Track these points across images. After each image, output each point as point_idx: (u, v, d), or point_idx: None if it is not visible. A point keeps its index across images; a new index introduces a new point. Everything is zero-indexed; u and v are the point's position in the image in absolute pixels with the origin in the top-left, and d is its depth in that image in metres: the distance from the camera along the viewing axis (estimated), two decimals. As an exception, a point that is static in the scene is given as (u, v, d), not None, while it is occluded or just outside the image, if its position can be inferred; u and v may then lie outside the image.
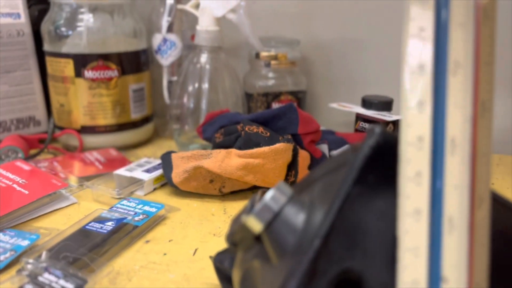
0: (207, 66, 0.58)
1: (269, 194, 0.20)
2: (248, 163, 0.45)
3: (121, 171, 0.49)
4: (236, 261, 0.26)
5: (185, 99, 0.62)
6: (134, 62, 0.60)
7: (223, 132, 0.51)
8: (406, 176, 0.16)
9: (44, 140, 0.60)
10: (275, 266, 0.20)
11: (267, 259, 0.22)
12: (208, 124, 0.54)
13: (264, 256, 0.22)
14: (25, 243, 0.37)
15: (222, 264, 0.32)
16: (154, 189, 0.50)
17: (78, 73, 0.56)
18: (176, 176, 0.47)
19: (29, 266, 0.33)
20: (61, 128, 0.61)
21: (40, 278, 0.31)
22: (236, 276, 0.26)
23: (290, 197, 0.20)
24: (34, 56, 0.60)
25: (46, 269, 0.32)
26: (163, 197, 0.48)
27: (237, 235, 0.24)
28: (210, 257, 0.32)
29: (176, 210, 0.45)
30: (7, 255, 0.35)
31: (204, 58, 0.58)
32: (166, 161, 0.49)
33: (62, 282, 0.31)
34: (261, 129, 0.48)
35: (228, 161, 0.46)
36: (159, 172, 0.50)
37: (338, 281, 0.17)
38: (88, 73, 0.57)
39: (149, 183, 0.49)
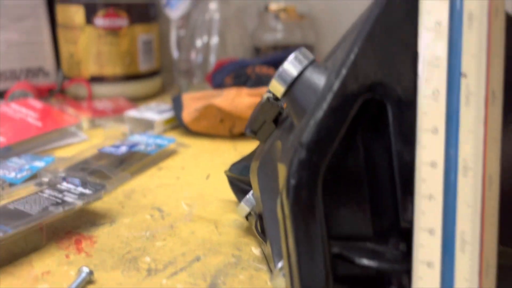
0: (216, 16, 0.59)
1: (290, 57, 0.20)
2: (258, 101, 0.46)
3: (132, 112, 0.50)
4: (255, 154, 0.27)
5: (193, 54, 0.62)
6: (144, 13, 0.60)
7: (233, 76, 0.51)
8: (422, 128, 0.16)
9: (53, 90, 0.60)
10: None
11: (287, 136, 0.22)
12: (218, 72, 0.55)
13: (285, 135, 0.23)
14: (41, 164, 0.37)
15: (236, 173, 0.32)
16: (165, 131, 0.50)
17: (89, 21, 0.57)
18: (187, 115, 0.48)
19: (46, 179, 0.34)
20: (70, 79, 0.61)
21: (59, 186, 0.32)
22: (254, 166, 0.26)
23: (312, 60, 0.20)
24: (45, 6, 0.61)
25: (64, 179, 0.32)
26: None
27: (259, 118, 0.24)
28: (225, 171, 0.33)
29: (187, 146, 0.46)
30: (24, 173, 0.36)
31: (213, 5, 0.59)
32: (177, 101, 0.49)
33: (80, 189, 0.31)
34: (271, 70, 0.48)
35: (239, 100, 0.46)
36: (170, 114, 0.50)
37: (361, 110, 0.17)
38: (98, 21, 0.57)
39: (159, 123, 0.49)
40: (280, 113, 0.24)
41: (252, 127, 0.26)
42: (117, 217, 0.32)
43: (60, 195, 0.30)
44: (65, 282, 0.25)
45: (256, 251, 0.28)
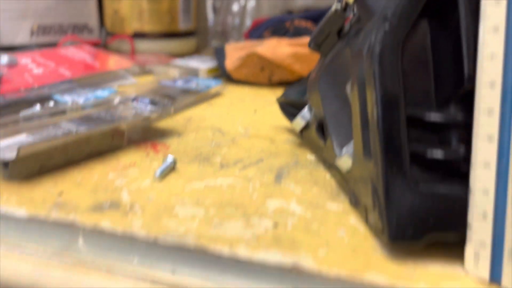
0: (253, -21, 0.62)
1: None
2: (297, 51, 0.49)
3: (178, 61, 0.54)
4: (314, 71, 0.30)
5: (229, 17, 0.66)
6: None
7: (271, 30, 0.55)
8: None
9: (98, 44, 0.64)
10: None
11: (356, 41, 0.25)
12: (255, 29, 0.58)
13: (352, 41, 0.26)
14: (104, 93, 0.41)
15: (288, 99, 0.36)
16: (207, 80, 0.54)
17: (134, -21, 0.60)
18: (230, 63, 0.51)
19: (116, 100, 0.37)
20: (113, 35, 0.65)
21: (130, 104, 0.35)
22: (313, 80, 0.30)
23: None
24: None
25: (134, 99, 0.36)
26: (215, 85, 0.52)
27: (325, 30, 0.28)
28: (277, 99, 0.37)
29: (231, 90, 0.50)
30: (92, 100, 0.40)
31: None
32: (220, 51, 0.53)
33: (150, 107, 0.35)
34: (309, 24, 0.52)
35: (279, 48, 0.50)
36: (213, 63, 0.54)
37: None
38: (143, -20, 0.61)
39: (204, 71, 0.53)
40: (343, 27, 0.28)
41: (316, 40, 0.29)
42: (183, 132, 0.35)
43: (133, 110, 0.34)
44: (150, 170, 0.28)
45: (311, 157, 0.32)
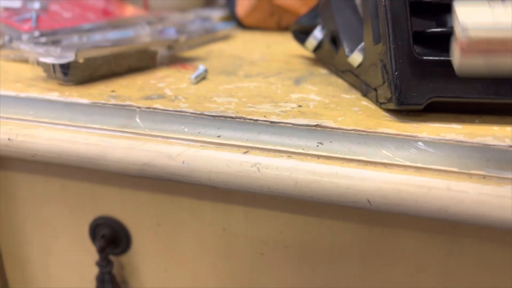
0: None
1: None
2: (304, -4, 0.53)
3: (191, 11, 0.57)
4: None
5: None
6: None
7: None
8: None
9: None
10: None
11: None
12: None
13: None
14: (131, 32, 0.45)
15: (300, 25, 0.40)
16: (219, 28, 0.58)
17: None
18: (241, 9, 0.55)
19: (145, 31, 0.41)
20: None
21: (157, 34, 0.39)
22: (323, 4, 0.34)
23: None
24: None
25: (161, 31, 0.40)
26: (228, 31, 0.56)
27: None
28: (290, 27, 0.40)
29: (243, 34, 0.53)
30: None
31: None
32: None
33: (176, 35, 0.39)
34: (314, -29, 0.55)
35: (288, -7, 0.53)
36: (225, 12, 0.58)
37: None
38: None
39: (216, 18, 0.56)
40: None
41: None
42: (207, 58, 0.39)
43: (161, 37, 0.38)
44: (185, 79, 0.32)
45: (324, 71, 0.35)
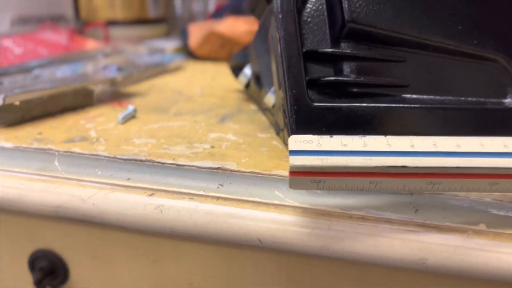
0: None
1: None
2: (253, 28, 0.55)
3: (147, 42, 0.59)
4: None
5: (194, 4, 0.71)
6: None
7: (231, 12, 0.61)
8: None
9: (74, 32, 0.69)
10: None
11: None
12: (217, 13, 0.64)
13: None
14: (78, 67, 0.46)
15: (236, 61, 0.42)
16: (174, 59, 0.60)
17: (105, -30, 0.66)
18: (193, 42, 0.57)
19: (88, 68, 0.43)
20: (88, 23, 0.70)
21: (100, 71, 0.41)
22: (252, 41, 0.36)
23: None
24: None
25: (104, 68, 0.42)
26: (181, 62, 0.58)
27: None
28: (228, 62, 0.42)
29: (194, 65, 0.55)
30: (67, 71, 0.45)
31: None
32: (184, 31, 0.59)
33: (117, 72, 0.40)
34: None
35: (236, 26, 0.56)
36: (179, 43, 0.60)
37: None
38: (113, -29, 0.66)
39: (170, 50, 0.58)
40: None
41: (250, 6, 0.35)
42: (147, 94, 0.41)
43: (102, 75, 0.40)
44: (115, 118, 0.34)
45: (253, 107, 0.37)
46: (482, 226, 0.21)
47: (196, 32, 0.58)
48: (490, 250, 0.21)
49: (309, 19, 0.27)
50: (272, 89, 0.30)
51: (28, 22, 0.67)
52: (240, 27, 0.55)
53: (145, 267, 0.30)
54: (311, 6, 0.27)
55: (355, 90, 0.26)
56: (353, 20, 0.25)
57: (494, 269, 0.20)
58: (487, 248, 0.21)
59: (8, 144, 0.28)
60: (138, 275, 0.31)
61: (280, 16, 0.26)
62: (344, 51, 0.26)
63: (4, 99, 0.30)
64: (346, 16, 0.25)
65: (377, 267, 0.24)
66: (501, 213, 0.22)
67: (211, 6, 0.70)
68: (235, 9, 0.60)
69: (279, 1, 0.26)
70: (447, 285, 0.23)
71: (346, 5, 0.25)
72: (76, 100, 0.36)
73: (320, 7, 0.27)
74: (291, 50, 0.26)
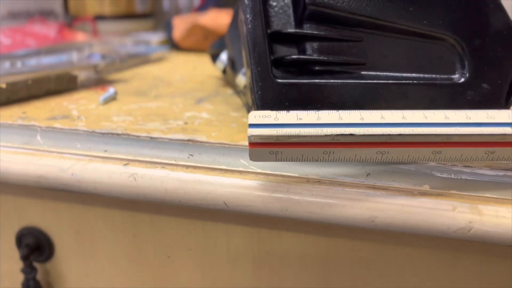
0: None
1: None
2: (235, 21, 0.57)
3: (133, 35, 0.61)
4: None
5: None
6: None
7: (214, 4, 0.63)
8: None
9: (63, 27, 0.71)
10: None
11: None
12: (203, 6, 0.66)
13: None
14: (63, 57, 0.48)
15: (216, 49, 0.44)
16: (159, 50, 0.61)
17: (93, -34, 0.68)
18: (177, 34, 0.59)
19: (73, 57, 0.45)
20: (77, 18, 0.72)
21: (86, 59, 0.43)
22: (227, 29, 0.38)
23: None
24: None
25: (88, 56, 0.44)
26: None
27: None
28: (208, 50, 0.44)
29: (178, 57, 0.57)
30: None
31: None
32: (169, 24, 0.61)
33: (100, 60, 0.42)
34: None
35: (219, 19, 0.58)
36: (163, 36, 0.62)
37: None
38: (101, -34, 0.68)
39: (155, 42, 0.60)
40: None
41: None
42: (129, 81, 0.43)
43: (86, 62, 0.41)
44: (97, 101, 0.36)
45: (229, 91, 0.39)
46: (426, 187, 0.23)
47: (180, 25, 0.59)
48: (432, 208, 0.23)
49: (274, 3, 0.29)
50: (243, 70, 0.32)
51: (17, 17, 0.69)
52: (223, 19, 0.57)
53: (126, 242, 0.32)
54: (276, -10, 0.29)
55: (316, 68, 0.28)
56: (313, 3, 0.27)
57: (436, 225, 0.23)
58: (430, 206, 0.23)
59: (-6, 121, 0.30)
60: (120, 249, 0.33)
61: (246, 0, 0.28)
62: (305, 31, 0.28)
63: (-10, 80, 0.31)
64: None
65: (339, 230, 0.26)
66: (444, 175, 0.24)
67: (196, 2, 0.72)
68: (219, 2, 0.62)
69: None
70: (395, 242, 0.25)
71: (307, -12, 0.27)
72: (60, 85, 0.38)
73: (285, -10, 0.29)
74: (256, 31, 0.27)
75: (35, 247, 0.36)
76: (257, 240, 0.29)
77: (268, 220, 0.28)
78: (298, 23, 0.29)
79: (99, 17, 0.71)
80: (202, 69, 0.49)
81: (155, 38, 0.60)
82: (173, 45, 0.60)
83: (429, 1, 0.27)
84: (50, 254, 0.36)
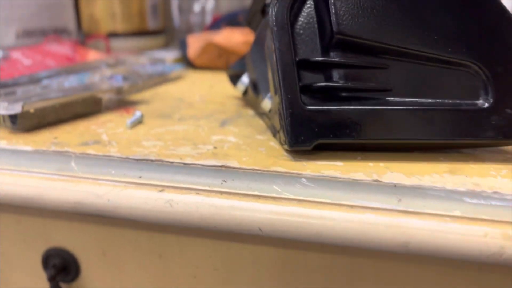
0: (212, -19, 0.71)
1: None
2: (248, 39, 0.58)
3: (148, 53, 0.62)
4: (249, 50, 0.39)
5: (192, 17, 0.74)
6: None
7: (227, 23, 0.64)
8: None
9: (76, 44, 0.72)
10: None
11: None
12: (214, 24, 0.67)
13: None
14: (85, 76, 0.49)
15: (234, 70, 0.45)
16: (173, 68, 0.62)
17: (106, -15, 0.69)
18: (192, 52, 0.60)
19: (96, 78, 0.46)
20: (90, 36, 0.73)
21: (106, 80, 0.44)
22: (249, 51, 0.39)
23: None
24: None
25: (110, 77, 0.44)
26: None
27: (252, 10, 0.37)
28: (226, 71, 0.45)
29: (193, 75, 0.58)
30: (74, 82, 0.48)
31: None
32: (183, 43, 0.62)
33: (122, 81, 0.43)
34: (258, 15, 0.61)
35: (233, 37, 0.59)
36: (178, 53, 0.62)
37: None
38: (114, -15, 0.69)
39: (170, 61, 0.61)
40: (265, 6, 0.37)
41: (248, 19, 0.38)
42: (151, 102, 0.44)
43: (109, 84, 0.42)
44: (124, 123, 0.37)
45: (251, 112, 0.40)
46: (457, 213, 0.24)
47: (195, 43, 0.60)
48: (464, 234, 0.23)
49: (301, 31, 0.30)
50: (269, 95, 0.33)
51: (32, 35, 0.70)
52: (236, 38, 0.58)
53: (152, 262, 0.33)
54: (302, 19, 0.30)
55: (343, 94, 0.29)
56: (341, 32, 0.28)
57: (468, 251, 0.23)
58: (462, 232, 0.23)
59: (28, 148, 0.31)
60: (145, 269, 0.33)
61: (275, 29, 0.28)
62: (332, 59, 0.29)
63: (22, 107, 0.32)
64: (334, 28, 0.28)
65: (367, 253, 0.27)
66: (474, 201, 0.25)
67: (208, 18, 0.73)
68: (231, 21, 0.63)
69: (274, 16, 0.28)
70: (428, 267, 0.26)
71: (334, 19, 0.28)
72: (86, 108, 0.39)
73: (311, 20, 0.30)
74: (285, 60, 0.28)
75: (62, 267, 0.36)
76: (283, 261, 0.30)
77: (295, 241, 0.28)
78: (325, 50, 0.30)
79: (112, 35, 0.72)
80: (219, 88, 0.50)
81: (170, 56, 0.61)
82: (188, 63, 0.61)
83: (453, 30, 0.28)
84: (76, 274, 0.36)
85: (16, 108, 0.32)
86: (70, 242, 0.35)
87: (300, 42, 0.30)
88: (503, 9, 0.28)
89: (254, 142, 0.32)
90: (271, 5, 0.29)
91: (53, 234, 0.34)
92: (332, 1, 0.28)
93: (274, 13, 0.28)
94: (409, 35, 0.28)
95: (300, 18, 0.30)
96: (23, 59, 0.51)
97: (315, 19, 0.30)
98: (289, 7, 0.29)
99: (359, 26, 0.28)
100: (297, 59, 0.29)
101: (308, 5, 0.30)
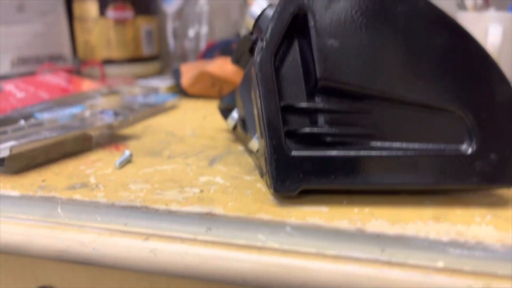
0: (205, 8, 0.72)
1: (257, 4, 0.33)
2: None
3: (141, 81, 0.62)
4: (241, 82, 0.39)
5: (186, 42, 0.75)
6: (146, 7, 0.73)
7: (221, 51, 0.64)
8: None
9: (71, 71, 0.72)
10: None
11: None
12: (208, 51, 0.68)
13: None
14: (76, 110, 0.49)
15: (225, 104, 0.45)
16: (167, 96, 0.63)
17: (101, 13, 0.69)
18: (185, 81, 0.60)
19: (86, 113, 0.46)
20: (85, 62, 0.73)
21: (97, 115, 0.44)
22: (237, 88, 0.39)
23: (269, 4, 0.33)
24: (64, 2, 0.73)
25: (100, 112, 0.45)
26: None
27: (240, 50, 0.37)
28: (218, 105, 0.46)
29: (186, 104, 0.58)
30: (66, 114, 0.48)
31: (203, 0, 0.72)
32: (176, 71, 0.62)
33: (113, 117, 0.43)
34: (251, 44, 0.61)
35: (226, 66, 0.59)
36: (171, 82, 0.63)
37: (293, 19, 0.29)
38: (109, 13, 0.70)
39: (163, 89, 0.62)
40: (253, 45, 0.37)
41: (235, 57, 0.38)
42: (141, 136, 0.44)
43: (99, 120, 0.43)
44: (113, 163, 0.37)
45: (241, 148, 0.40)
46: (441, 264, 0.24)
47: (188, 72, 0.61)
48: (448, 287, 0.23)
49: (286, 75, 0.30)
50: (256, 135, 0.33)
51: (27, 63, 0.71)
52: (229, 67, 0.59)
53: (141, 303, 0.33)
54: (288, 64, 0.30)
55: (328, 139, 0.29)
56: (324, 78, 0.28)
57: (452, 302, 0.23)
58: (445, 285, 0.23)
59: (15, 193, 0.31)
60: (135, 310, 0.33)
61: (260, 75, 0.29)
62: (317, 105, 0.29)
63: (10, 150, 0.32)
64: (319, 74, 0.28)
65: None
66: (457, 251, 0.25)
67: (203, 43, 0.74)
68: (225, 49, 0.64)
69: (258, 62, 0.29)
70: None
71: (318, 64, 0.28)
72: (77, 146, 0.39)
73: (296, 64, 0.30)
74: (270, 106, 0.29)
75: (51, 306, 0.36)
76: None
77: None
78: (310, 95, 0.30)
79: (107, 61, 0.72)
80: (211, 119, 0.50)
81: (163, 84, 0.62)
82: (181, 91, 0.61)
83: (437, 76, 0.28)
84: (66, 313, 0.36)
85: (3, 152, 0.32)
86: (59, 281, 0.34)
87: (285, 86, 0.30)
88: (486, 55, 0.28)
89: (241, 184, 0.32)
90: (256, 50, 0.29)
91: (42, 273, 0.34)
92: (316, 47, 0.28)
93: (258, 60, 0.29)
94: (392, 81, 0.28)
95: (285, 63, 0.30)
96: (16, 92, 0.51)
97: (300, 64, 0.30)
98: (273, 53, 0.29)
99: (343, 73, 0.28)
100: (282, 104, 0.29)
101: (294, 50, 0.30)
